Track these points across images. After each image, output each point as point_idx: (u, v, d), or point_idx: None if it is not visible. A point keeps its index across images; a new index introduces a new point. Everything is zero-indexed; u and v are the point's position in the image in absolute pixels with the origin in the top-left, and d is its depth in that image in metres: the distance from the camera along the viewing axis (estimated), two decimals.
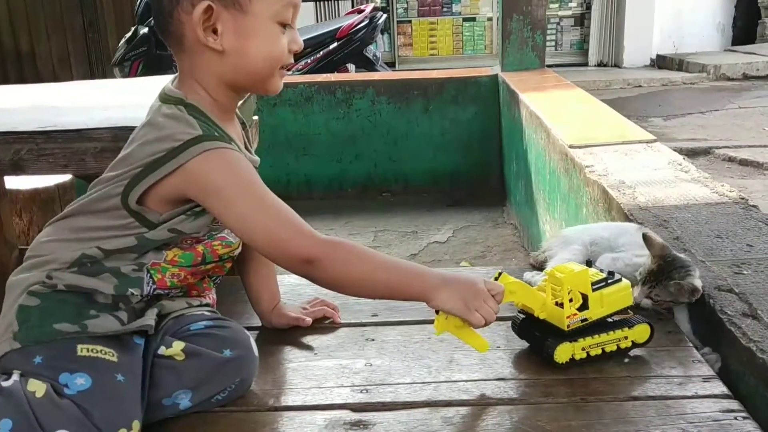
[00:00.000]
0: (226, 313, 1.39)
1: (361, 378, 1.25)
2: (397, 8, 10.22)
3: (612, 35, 9.71)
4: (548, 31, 9.97)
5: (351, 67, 5.63)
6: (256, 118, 2.71)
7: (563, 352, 1.23)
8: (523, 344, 1.33)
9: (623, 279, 1.27)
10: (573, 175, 2.48)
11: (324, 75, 4.99)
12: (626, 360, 1.27)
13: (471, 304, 1.15)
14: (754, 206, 1.83)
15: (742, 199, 1.89)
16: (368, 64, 5.58)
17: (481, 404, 1.15)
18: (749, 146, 5.57)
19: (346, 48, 5.50)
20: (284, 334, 1.43)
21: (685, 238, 1.64)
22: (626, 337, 1.26)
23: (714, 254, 1.55)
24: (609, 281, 1.25)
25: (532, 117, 3.36)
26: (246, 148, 1.30)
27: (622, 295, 1.26)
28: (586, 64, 9.87)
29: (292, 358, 1.34)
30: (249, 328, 1.44)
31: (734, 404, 1.11)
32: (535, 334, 1.28)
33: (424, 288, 1.15)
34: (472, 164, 4.73)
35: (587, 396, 1.16)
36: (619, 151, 2.47)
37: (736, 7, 9.99)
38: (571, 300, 1.22)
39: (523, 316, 1.30)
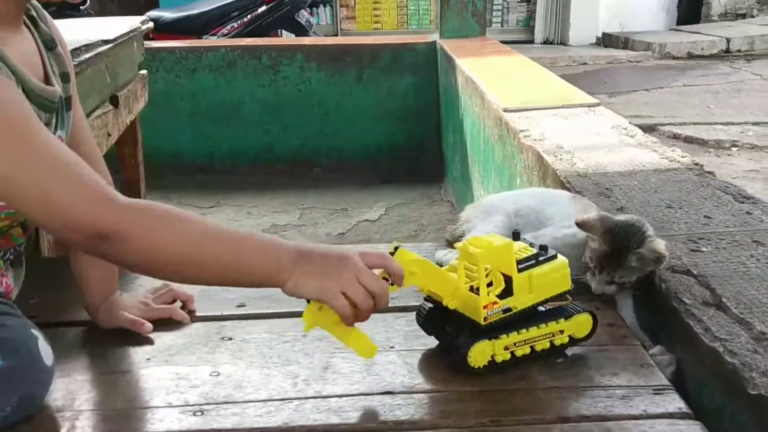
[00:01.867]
0: (48, 304, 1.05)
1: (200, 394, 0.92)
2: None
3: (558, 13, 9.53)
4: (494, 9, 9.70)
5: (283, 33, 5.24)
6: (144, 72, 2.34)
7: (480, 353, 0.93)
8: (427, 342, 1.02)
9: (559, 255, 0.97)
10: (507, 142, 2.18)
11: (248, 39, 4.59)
12: (560, 360, 0.97)
13: (334, 284, 0.84)
14: (710, 173, 1.56)
15: (696, 164, 1.62)
16: (300, 31, 5.20)
17: (355, 431, 0.84)
18: (694, 123, 5.42)
19: (276, 12, 5.10)
20: (115, 329, 1.09)
21: (631, 209, 1.35)
22: (562, 331, 0.97)
23: (666, 228, 1.27)
24: (540, 258, 0.95)
25: (468, 83, 3.06)
26: (46, 75, 0.94)
27: (558, 276, 0.97)
28: (532, 42, 9.67)
29: (114, 364, 1.01)
30: (73, 324, 1.09)
31: (695, 427, 0.82)
32: (446, 329, 0.97)
33: (274, 267, 0.85)
34: (409, 138, 4.42)
35: (502, 417, 0.86)
36: (559, 115, 2.18)
37: None
38: (490, 284, 0.92)
39: (430, 305, 0.99)
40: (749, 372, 0.83)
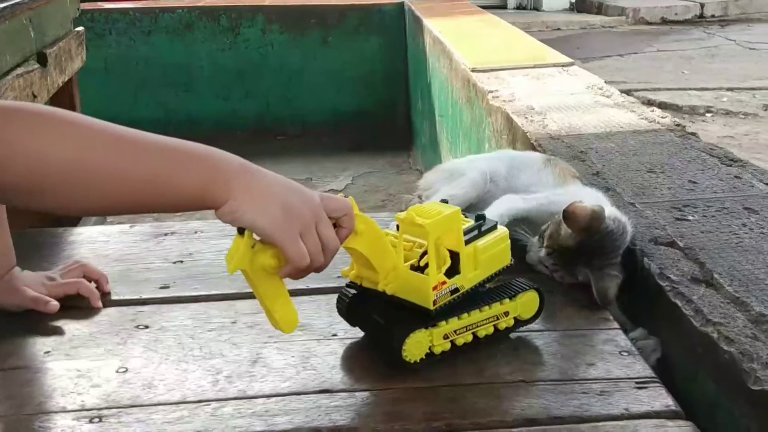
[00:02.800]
0: None
1: (101, 395, 0.77)
2: None
3: None
4: None
5: None
6: (80, 29, 2.13)
7: (416, 345, 0.79)
8: None
9: (499, 225, 0.83)
10: (475, 104, 2.03)
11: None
12: (509, 347, 0.83)
13: (295, 222, 0.69)
14: (693, 134, 1.43)
15: (678, 125, 1.48)
16: None
17: None
18: (668, 89, 5.32)
19: None
20: (15, 314, 0.93)
21: (608, 174, 1.22)
22: (507, 313, 0.84)
23: (647, 194, 1.13)
24: (483, 229, 0.81)
25: (436, 44, 2.89)
26: None
27: (501, 249, 0.84)
28: (505, 7, 9.46)
29: (5, 359, 0.85)
30: None
31: (687, 429, 0.69)
32: (374, 319, 0.82)
33: (208, 177, 0.68)
34: (377, 104, 4.24)
35: (457, 419, 0.72)
36: (530, 75, 2.03)
37: None
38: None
39: (353, 291, 0.84)
40: (749, 363, 0.70)
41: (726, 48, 6.79)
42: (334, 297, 0.89)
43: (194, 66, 4.18)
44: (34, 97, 1.65)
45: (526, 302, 0.85)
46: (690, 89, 5.25)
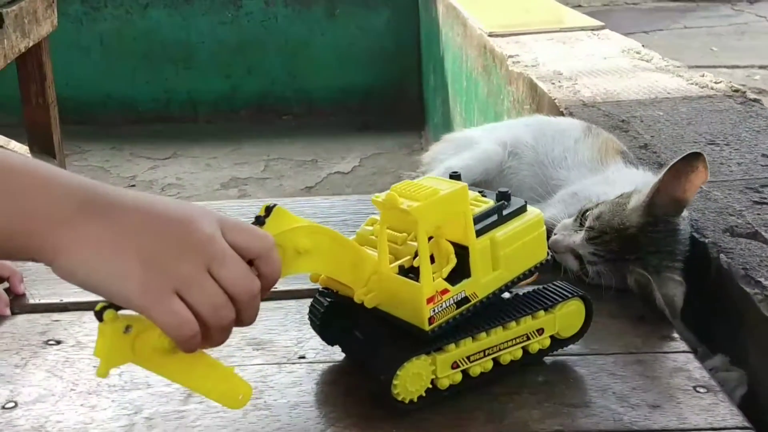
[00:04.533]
0: None
1: None
2: None
3: None
4: None
5: None
6: None
7: (413, 379, 0.56)
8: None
9: (527, 204, 0.60)
10: (493, 73, 1.79)
11: None
12: (540, 379, 0.61)
13: (162, 276, 0.46)
14: (756, 100, 1.18)
15: (736, 91, 1.23)
16: None
17: None
18: (698, 66, 5.02)
19: None
20: None
21: (659, 147, 0.98)
22: (540, 330, 0.60)
23: (713, 171, 0.89)
24: (505, 212, 0.58)
25: (449, 11, 2.64)
26: None
27: (531, 240, 0.60)
28: None
29: None
30: None
31: None
32: (357, 337, 0.60)
33: (21, 223, 0.46)
34: (387, 81, 4.00)
35: None
36: (556, 39, 1.78)
37: None
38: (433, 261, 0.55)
39: (328, 299, 0.62)
40: None
41: (756, 25, 6.45)
42: (305, 302, 0.66)
43: (194, 41, 3.95)
44: None
45: (568, 315, 0.62)
46: (720, 67, 4.95)
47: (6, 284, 0.79)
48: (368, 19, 3.91)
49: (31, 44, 1.72)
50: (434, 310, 0.54)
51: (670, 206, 0.69)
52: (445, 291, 0.55)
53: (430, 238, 0.56)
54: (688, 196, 0.69)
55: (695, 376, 0.60)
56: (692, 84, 1.30)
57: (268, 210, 0.52)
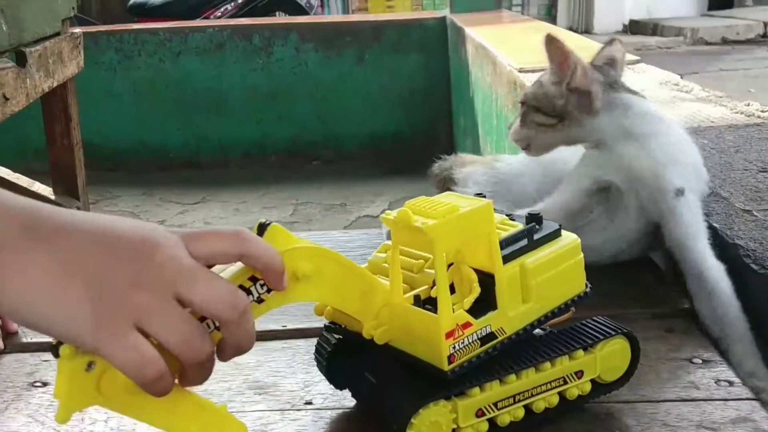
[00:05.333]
0: None
1: None
2: None
3: (582, 0, 9.07)
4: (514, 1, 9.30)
5: (281, 16, 4.83)
6: (77, 32, 1.92)
7: (429, 428, 0.49)
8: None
9: (561, 229, 0.53)
10: None
11: (238, 19, 4.18)
12: (580, 430, 0.52)
13: (116, 307, 0.39)
14: None
15: None
16: (300, 13, 4.77)
17: None
18: None
19: None
20: None
21: (708, 174, 0.89)
22: (580, 373, 0.52)
23: (766, 198, 0.81)
24: (535, 237, 0.51)
25: (479, 51, 2.61)
26: None
27: (567, 269, 0.53)
28: None
29: None
30: None
31: None
32: (367, 379, 0.53)
33: None
34: (417, 125, 3.97)
35: None
36: None
37: None
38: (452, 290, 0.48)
39: (336, 336, 0.55)
40: None
41: None
42: (314, 342, 0.59)
43: (225, 88, 3.99)
44: (6, 99, 1.42)
45: (611, 356, 0.54)
46: None
47: None
48: (397, 64, 3.91)
49: (55, 84, 1.71)
50: (454, 347, 0.47)
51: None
52: (467, 325, 0.47)
53: (450, 265, 0.49)
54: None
55: (763, 428, 0.51)
56: (737, 113, 1.22)
57: (262, 228, 0.45)
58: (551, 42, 0.75)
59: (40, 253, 0.39)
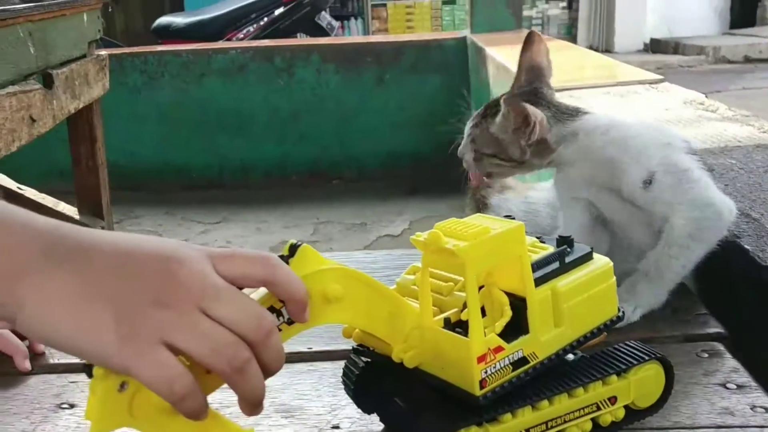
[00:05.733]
0: None
1: None
2: None
3: (602, 19, 9.06)
4: (535, 14, 9.31)
5: (302, 37, 4.88)
6: (103, 53, 1.95)
7: None
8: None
9: (596, 254, 0.52)
10: None
11: (260, 40, 4.23)
12: None
13: (142, 324, 0.40)
14: None
15: None
16: (322, 35, 4.82)
17: None
18: None
19: (295, 14, 4.74)
20: None
21: (736, 195, 0.88)
22: (613, 399, 0.52)
23: None
24: (567, 260, 0.50)
25: (500, 71, 2.61)
26: None
27: (600, 293, 0.53)
28: None
29: None
30: None
31: None
32: (397, 404, 0.52)
33: None
34: (437, 144, 3.92)
35: None
36: (612, 92, 1.72)
37: None
38: (483, 315, 0.47)
39: (364, 359, 0.54)
40: None
41: None
42: (342, 365, 0.59)
43: (248, 108, 4.03)
44: (33, 121, 1.44)
45: (645, 381, 0.53)
46: None
47: (27, 341, 0.74)
48: (417, 85, 3.93)
49: (81, 106, 1.74)
50: (486, 372, 0.46)
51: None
52: (499, 349, 0.47)
53: (480, 287, 0.49)
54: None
55: None
56: (764, 132, 1.20)
57: (293, 249, 0.45)
58: (514, 102, 0.74)
59: (63, 275, 0.40)
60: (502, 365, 0.47)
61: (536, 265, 0.50)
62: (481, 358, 0.46)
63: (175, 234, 3.52)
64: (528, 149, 0.75)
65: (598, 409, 0.52)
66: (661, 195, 0.71)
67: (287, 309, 0.44)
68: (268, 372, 0.43)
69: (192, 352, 0.39)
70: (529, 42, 0.82)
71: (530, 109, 0.73)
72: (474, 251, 0.46)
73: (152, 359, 0.38)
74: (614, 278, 0.53)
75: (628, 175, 0.72)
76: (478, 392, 0.46)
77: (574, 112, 0.78)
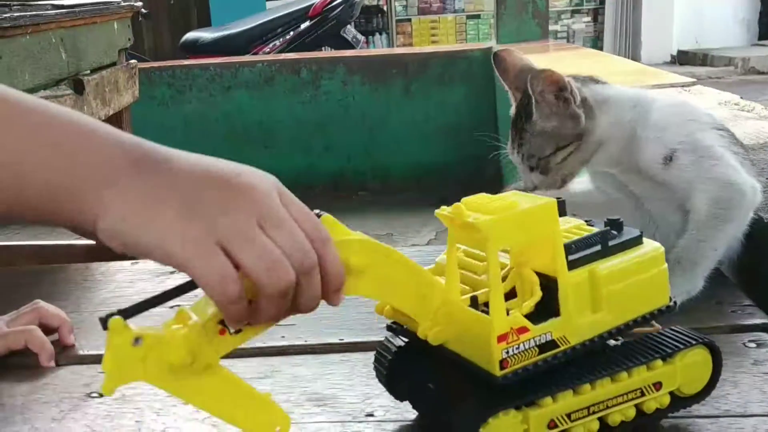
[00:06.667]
0: None
1: None
2: (395, 6, 9.56)
3: (628, 31, 9.02)
4: (560, 28, 9.29)
5: (327, 51, 4.91)
6: (133, 62, 1.97)
7: None
8: None
9: (646, 239, 0.50)
10: None
11: (286, 53, 4.27)
12: None
13: (203, 227, 0.42)
14: None
15: None
16: (347, 48, 4.84)
17: None
18: None
19: (320, 28, 4.76)
20: None
21: None
22: (658, 384, 0.49)
23: None
24: (611, 243, 0.48)
25: None
26: None
27: (647, 279, 0.50)
28: None
29: None
30: None
31: None
32: (432, 389, 0.51)
33: (81, 182, 0.44)
34: (464, 155, 3.95)
35: None
36: None
37: (763, 1, 9.26)
38: (513, 294, 0.46)
39: (400, 341, 0.53)
40: None
41: None
42: (373, 355, 0.57)
43: (274, 120, 4.05)
44: None
45: (691, 367, 0.51)
46: None
47: (55, 335, 0.74)
48: (444, 95, 3.92)
49: (111, 113, 1.75)
50: (507, 352, 0.45)
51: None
52: (523, 329, 0.45)
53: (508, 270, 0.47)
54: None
55: None
56: None
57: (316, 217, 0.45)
58: (540, 75, 0.73)
59: (144, 183, 0.43)
60: (527, 347, 0.46)
61: (574, 247, 0.48)
62: (502, 338, 0.44)
63: None
64: (580, 111, 0.73)
65: (643, 395, 0.50)
66: (681, 173, 0.70)
67: (323, 288, 0.44)
68: (302, 310, 0.44)
69: (247, 264, 0.41)
70: (499, 60, 0.83)
71: (555, 71, 0.72)
72: (497, 226, 0.44)
73: (210, 261, 0.41)
74: (665, 264, 0.51)
75: (645, 153, 0.71)
76: (498, 372, 0.45)
77: (589, 79, 0.78)
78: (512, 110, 0.80)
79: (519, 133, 0.78)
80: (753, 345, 0.61)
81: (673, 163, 0.71)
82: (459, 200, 0.49)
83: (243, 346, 0.65)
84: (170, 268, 0.92)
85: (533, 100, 0.74)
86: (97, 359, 0.70)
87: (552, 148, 0.76)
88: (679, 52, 8.68)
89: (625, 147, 0.74)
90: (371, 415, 0.56)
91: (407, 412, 0.55)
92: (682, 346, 0.50)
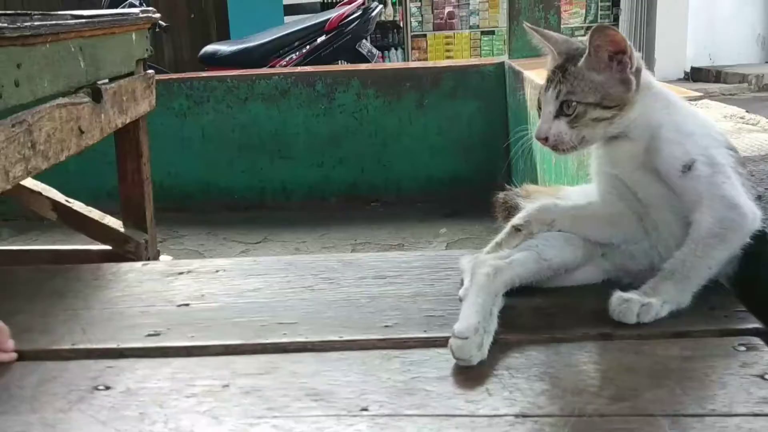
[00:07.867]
0: None
1: None
2: (411, 22, 9.64)
3: (642, 47, 9.02)
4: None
5: (343, 64, 4.96)
6: (150, 72, 2.01)
7: None
8: (426, 400, 0.57)
9: None
10: None
11: (302, 66, 4.32)
12: None
13: None
14: None
15: None
16: (362, 62, 4.89)
17: None
18: None
19: (336, 42, 4.82)
20: None
21: None
22: None
23: None
24: None
25: (537, 91, 2.61)
26: None
27: None
28: None
29: None
30: None
31: None
32: None
33: None
34: (475, 168, 3.98)
35: None
36: None
37: None
38: None
39: None
40: None
41: None
42: (371, 353, 0.59)
43: (289, 132, 4.10)
44: (82, 132, 1.50)
45: None
46: None
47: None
48: (456, 108, 3.95)
49: (128, 121, 1.79)
50: None
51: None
52: None
53: None
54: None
55: None
56: None
57: None
58: (604, 31, 0.74)
59: None
60: None
61: None
62: None
63: (216, 253, 3.58)
64: (633, 79, 0.74)
65: None
66: (696, 183, 0.71)
67: None
68: None
69: None
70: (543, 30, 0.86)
71: (619, 32, 0.73)
72: None
73: None
74: None
75: (668, 156, 0.72)
76: None
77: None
78: (549, 65, 0.82)
79: (562, 73, 0.79)
80: (743, 348, 0.62)
81: (691, 172, 0.72)
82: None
83: (244, 342, 0.67)
84: (179, 269, 0.95)
85: (586, 52, 0.76)
86: (105, 353, 0.73)
87: (596, 99, 0.76)
88: (693, 68, 8.65)
89: (647, 143, 0.75)
90: (365, 409, 0.58)
91: (400, 407, 0.57)
92: None
